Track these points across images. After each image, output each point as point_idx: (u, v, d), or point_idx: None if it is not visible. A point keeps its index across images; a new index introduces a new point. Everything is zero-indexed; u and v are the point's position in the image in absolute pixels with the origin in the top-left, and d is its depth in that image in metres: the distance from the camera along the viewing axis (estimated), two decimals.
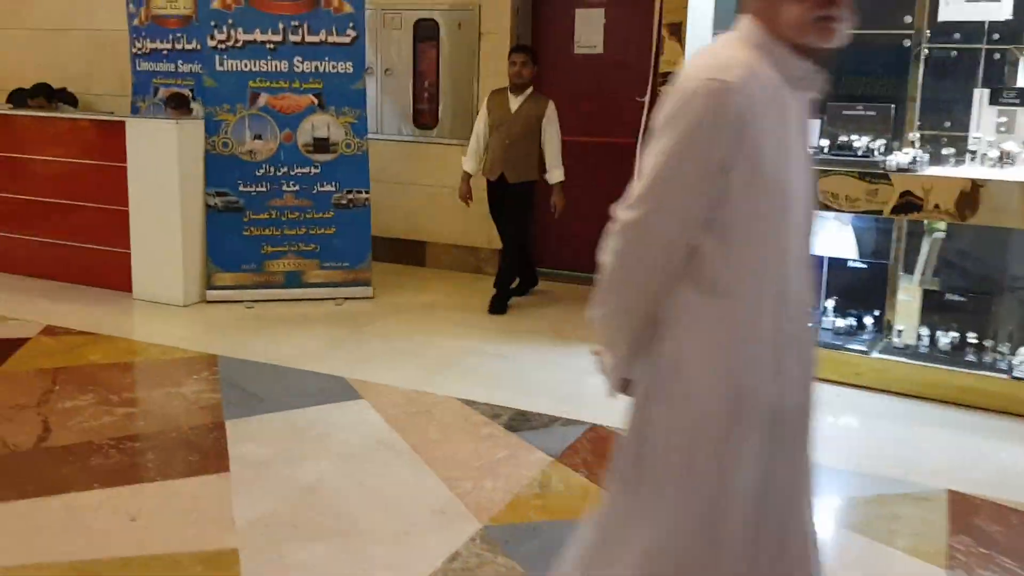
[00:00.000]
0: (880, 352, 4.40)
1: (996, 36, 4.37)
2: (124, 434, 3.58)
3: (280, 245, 5.67)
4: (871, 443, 3.78)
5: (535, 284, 5.99)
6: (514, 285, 5.79)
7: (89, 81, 7.38)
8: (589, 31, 6.23)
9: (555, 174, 5.47)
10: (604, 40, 6.19)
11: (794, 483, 1.67)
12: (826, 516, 3.09)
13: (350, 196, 5.71)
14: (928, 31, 4.43)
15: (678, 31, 4.44)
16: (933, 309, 4.52)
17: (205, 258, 5.57)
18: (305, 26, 5.58)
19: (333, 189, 5.69)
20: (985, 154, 4.20)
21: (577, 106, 6.10)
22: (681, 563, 1.62)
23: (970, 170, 4.17)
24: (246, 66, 5.57)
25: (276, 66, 5.59)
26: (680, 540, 1.61)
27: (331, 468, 3.33)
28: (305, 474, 3.28)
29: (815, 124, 4.31)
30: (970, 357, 4.31)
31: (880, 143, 4.38)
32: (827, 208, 4.28)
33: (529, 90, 5.43)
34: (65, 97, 7.15)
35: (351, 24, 5.64)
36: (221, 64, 5.57)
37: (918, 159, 4.19)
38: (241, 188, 5.60)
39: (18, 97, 7.02)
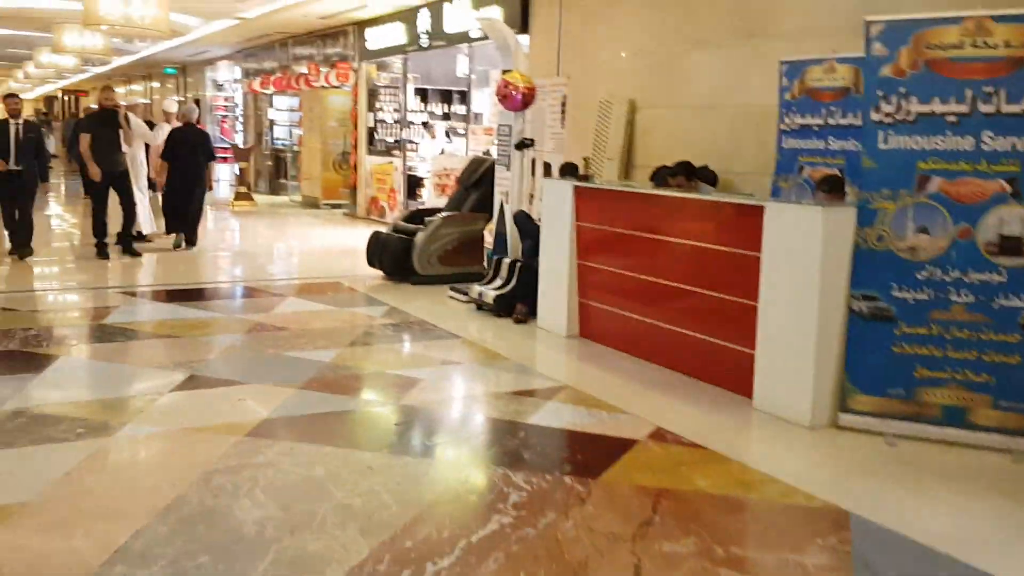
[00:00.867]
0: None
1: None
2: None
3: (941, 370, 4.43)
4: None
5: None
6: None
7: (731, 160, 7.00)
8: None
9: None
10: None
11: None
12: None
13: None
14: None
15: None
16: None
17: (841, 373, 4.60)
18: (1002, 92, 4.31)
19: (1022, 305, 4.28)
20: None
21: None
22: None
23: None
24: (917, 143, 4.50)
25: (957, 143, 4.41)
26: None
27: None
28: None
29: None
30: None
31: None
32: None
33: None
34: (705, 175, 6.86)
35: None
36: (885, 141, 4.57)
37: None
38: (895, 293, 4.52)
39: (659, 175, 6.93)
